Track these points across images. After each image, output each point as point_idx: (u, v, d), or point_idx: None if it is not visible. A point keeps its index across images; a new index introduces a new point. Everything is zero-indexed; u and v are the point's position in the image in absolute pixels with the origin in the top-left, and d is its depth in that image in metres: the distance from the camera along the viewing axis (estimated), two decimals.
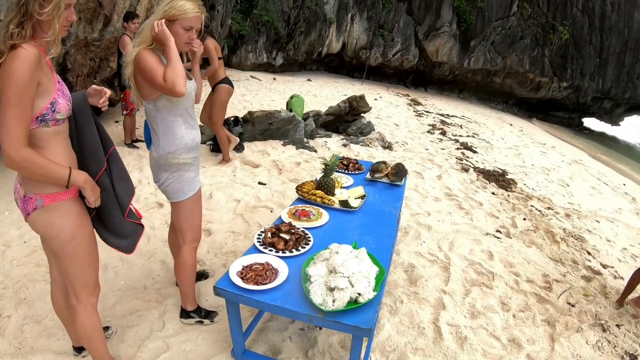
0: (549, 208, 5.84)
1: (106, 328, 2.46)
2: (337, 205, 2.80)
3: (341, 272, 1.85)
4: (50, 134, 1.61)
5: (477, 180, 6.37)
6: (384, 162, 3.63)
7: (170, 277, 3.07)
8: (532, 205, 5.77)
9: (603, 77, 22.45)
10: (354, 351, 1.88)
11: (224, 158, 5.53)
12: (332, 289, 1.82)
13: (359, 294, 1.82)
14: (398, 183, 3.47)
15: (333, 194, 2.93)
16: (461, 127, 11.04)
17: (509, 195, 6.00)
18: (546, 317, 3.23)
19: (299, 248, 2.22)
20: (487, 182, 6.36)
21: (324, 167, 2.98)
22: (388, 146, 7.29)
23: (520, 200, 5.89)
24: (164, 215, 3.89)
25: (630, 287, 3.47)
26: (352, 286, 1.84)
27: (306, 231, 2.40)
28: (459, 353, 2.70)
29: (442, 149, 8.02)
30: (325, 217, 2.63)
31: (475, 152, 8.26)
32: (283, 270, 2.03)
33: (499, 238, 4.52)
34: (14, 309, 2.62)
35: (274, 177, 5.19)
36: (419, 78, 22.13)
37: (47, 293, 2.57)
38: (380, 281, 1.97)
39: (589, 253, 4.60)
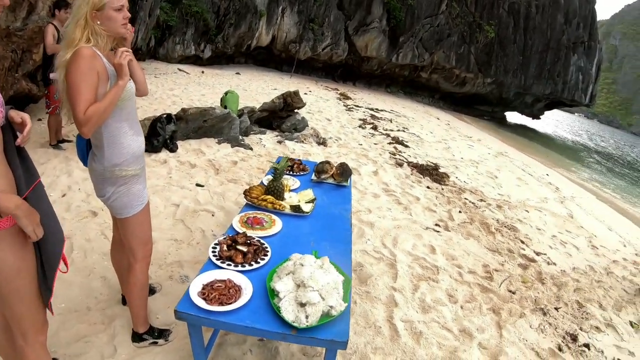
0: (481, 200, 6.18)
1: None
2: (288, 211, 2.72)
3: (310, 286, 1.78)
4: None
5: (412, 174, 6.58)
6: (328, 162, 3.60)
7: (113, 294, 2.81)
8: (465, 198, 6.07)
9: (525, 74, 24.39)
10: None
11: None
12: (303, 305, 1.74)
13: (331, 306, 1.76)
14: (344, 184, 3.46)
15: (283, 199, 2.84)
16: (391, 122, 11.37)
17: (442, 189, 6.27)
18: (491, 306, 3.42)
19: (258, 260, 2.11)
20: (422, 176, 6.60)
21: (272, 170, 2.88)
22: (322, 142, 7.30)
23: (454, 194, 6.18)
24: (100, 225, 3.55)
25: None
26: (323, 299, 1.78)
27: (262, 241, 2.29)
28: (416, 348, 2.77)
29: (375, 143, 8.19)
30: (278, 224, 2.53)
31: (407, 146, 8.54)
32: (247, 286, 1.90)
33: (438, 232, 4.70)
34: None
35: (212, 178, 4.98)
36: (348, 72, 22.49)
37: None
38: (348, 290, 1.93)
39: (522, 242, 4.94)
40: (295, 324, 1.70)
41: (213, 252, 2.16)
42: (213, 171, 5.24)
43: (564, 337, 3.22)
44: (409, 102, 21.13)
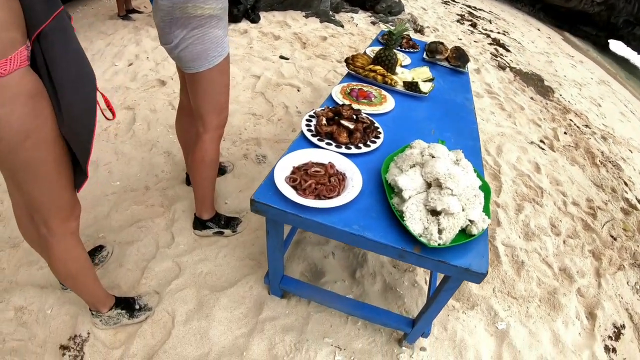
0: (586, 126, 5.10)
1: (100, 248, 1.79)
2: (400, 88, 2.02)
3: (449, 188, 1.15)
4: None
5: (515, 81, 5.50)
6: (442, 43, 2.76)
7: (177, 172, 2.33)
8: (570, 120, 5.01)
9: None
10: (445, 294, 1.29)
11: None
12: (436, 213, 1.14)
13: (472, 221, 1.16)
14: (461, 69, 2.65)
15: (394, 73, 2.12)
16: (490, 22, 9.68)
17: (547, 104, 5.20)
18: (593, 248, 2.74)
19: (368, 142, 1.49)
20: (525, 85, 5.50)
21: (386, 36, 2.12)
22: (420, 30, 6.19)
23: (559, 112, 5.12)
24: (168, 95, 3.03)
25: None
26: (463, 210, 1.16)
27: (372, 119, 1.64)
28: (516, 280, 2.22)
29: (475, 41, 6.92)
30: (389, 101, 1.85)
31: (508, 50, 7.21)
32: (354, 175, 1.29)
33: (543, 150, 3.85)
34: None
35: (298, 52, 4.24)
36: None
37: None
38: (489, 201, 1.30)
39: (625, 184, 4.00)
40: (422, 240, 1.10)
41: (307, 125, 1.53)
42: (299, 45, 4.48)
43: None
44: (508, 7, 18.22)
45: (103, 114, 1.18)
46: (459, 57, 2.69)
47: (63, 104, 0.96)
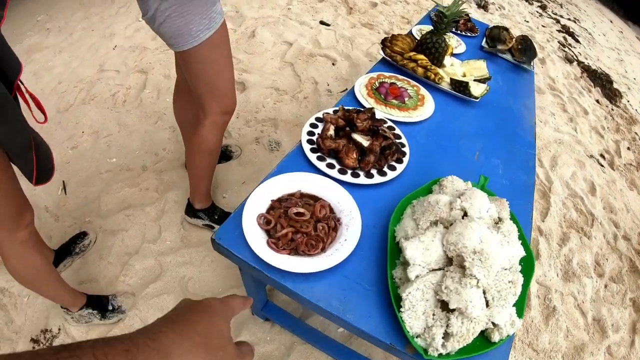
0: None
1: (82, 235, 1.61)
2: (446, 86, 1.55)
3: (474, 276, 0.75)
4: None
5: (581, 78, 4.76)
6: (506, 29, 2.22)
7: (179, 153, 2.01)
8: (635, 133, 4.30)
9: None
10: None
11: None
12: (447, 308, 0.75)
13: (496, 325, 0.76)
14: (527, 66, 2.12)
15: (441, 65, 1.64)
16: (561, 6, 8.59)
17: (612, 110, 4.48)
18: (635, 297, 2.26)
19: (385, 169, 1.06)
20: (592, 84, 4.76)
21: (439, 14, 1.62)
22: (483, 5, 5.43)
23: (624, 121, 4.40)
24: None
25: None
26: (488, 306, 0.76)
27: (397, 130, 1.21)
28: (542, 329, 1.86)
29: (543, 26, 6.08)
30: (429, 104, 1.39)
31: (577, 41, 6.32)
32: (352, 222, 0.89)
33: (602, 166, 3.26)
34: None
35: (342, 17, 3.70)
36: None
37: None
38: (528, 288, 0.88)
39: None
40: (419, 343, 0.74)
41: (310, 134, 1.12)
42: (345, 9, 3.93)
43: None
44: None
45: (33, 115, 0.98)
46: (526, 50, 2.15)
47: None
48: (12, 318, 1.45)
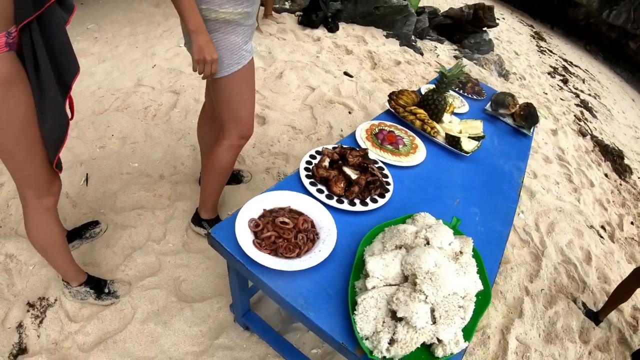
0: None
1: (95, 223, 1.79)
2: (441, 140, 1.72)
3: (423, 292, 0.88)
4: None
5: (593, 152, 4.87)
6: (512, 96, 2.39)
7: (195, 169, 2.23)
8: None
9: None
10: None
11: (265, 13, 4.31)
12: (396, 317, 0.88)
13: (439, 340, 0.88)
14: (526, 131, 2.27)
15: (440, 120, 1.82)
16: (584, 82, 8.83)
17: (620, 185, 4.55)
18: None
19: (367, 200, 1.23)
20: (603, 158, 4.86)
21: (439, 76, 1.82)
22: (504, 74, 5.67)
23: (632, 196, 4.45)
24: None
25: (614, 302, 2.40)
26: (433, 323, 0.88)
27: (386, 171, 1.38)
28: None
29: (562, 99, 6.27)
30: (421, 153, 1.57)
31: (594, 116, 6.47)
32: (328, 238, 1.06)
33: (602, 237, 3.31)
34: None
35: (365, 71, 3.99)
36: (548, 12, 18.18)
37: None
38: (480, 317, 0.99)
39: None
40: (366, 344, 0.85)
41: (307, 165, 1.31)
42: (369, 64, 4.23)
43: None
44: (606, 69, 16.71)
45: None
46: (527, 116, 2.31)
47: (45, 96, 0.97)
48: (14, 282, 1.58)
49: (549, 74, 7.40)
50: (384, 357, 0.85)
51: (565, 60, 10.35)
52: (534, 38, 11.05)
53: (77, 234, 1.72)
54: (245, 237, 1.00)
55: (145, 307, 1.58)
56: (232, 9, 1.23)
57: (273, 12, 4.49)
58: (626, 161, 5.40)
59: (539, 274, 2.45)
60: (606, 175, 4.51)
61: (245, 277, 1.07)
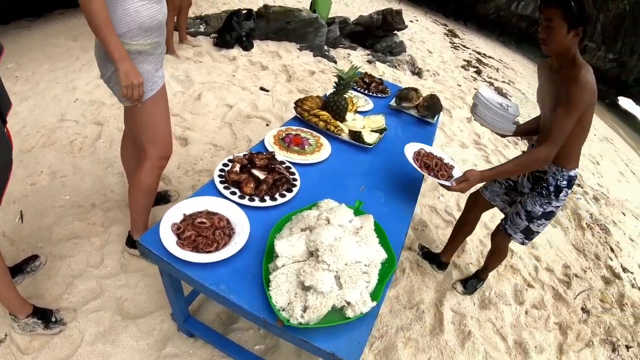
0: (578, 185, 5.00)
1: (34, 257, 1.88)
2: (345, 136, 1.96)
3: (325, 262, 1.07)
4: None
5: None
6: (415, 90, 2.72)
7: (125, 195, 2.36)
8: None
9: None
10: None
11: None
12: (306, 288, 1.05)
13: (348, 303, 1.06)
14: (429, 119, 2.59)
15: (343, 120, 2.06)
16: (497, 71, 9.75)
17: None
18: (560, 321, 2.59)
19: (276, 196, 1.42)
20: (520, 137, 5.45)
21: (336, 79, 2.07)
22: (418, 72, 6.20)
23: None
24: None
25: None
26: (340, 288, 1.07)
27: (293, 169, 1.58)
28: (457, 352, 2.10)
29: (475, 89, 6.94)
30: (325, 150, 1.79)
31: (509, 100, 7.20)
32: (242, 232, 1.24)
33: None
34: None
35: (280, 84, 4.24)
36: (460, 10, 19.86)
37: None
38: (386, 280, 1.19)
39: (612, 249, 3.85)
40: (283, 314, 1.02)
41: (220, 172, 1.49)
42: (285, 77, 4.49)
43: None
44: (519, 57, 18.49)
45: None
46: (429, 106, 2.63)
47: None
48: None
49: (462, 67, 8.12)
50: (300, 322, 1.02)
51: (479, 53, 11.34)
52: (447, 36, 12.01)
53: (18, 270, 1.79)
54: (169, 240, 1.16)
55: (92, 330, 1.69)
56: (143, 40, 1.44)
57: (188, 36, 4.65)
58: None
59: (465, 248, 2.75)
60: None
61: (176, 277, 1.21)
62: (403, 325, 2.08)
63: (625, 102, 23.81)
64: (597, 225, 4.20)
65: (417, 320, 2.13)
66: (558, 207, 1.92)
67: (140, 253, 1.94)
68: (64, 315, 1.68)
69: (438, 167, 1.78)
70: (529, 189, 2.00)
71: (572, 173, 1.83)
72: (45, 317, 1.63)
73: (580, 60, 1.62)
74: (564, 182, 1.84)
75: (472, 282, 2.47)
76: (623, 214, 4.99)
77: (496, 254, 2.32)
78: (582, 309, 2.79)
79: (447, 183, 1.67)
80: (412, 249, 2.63)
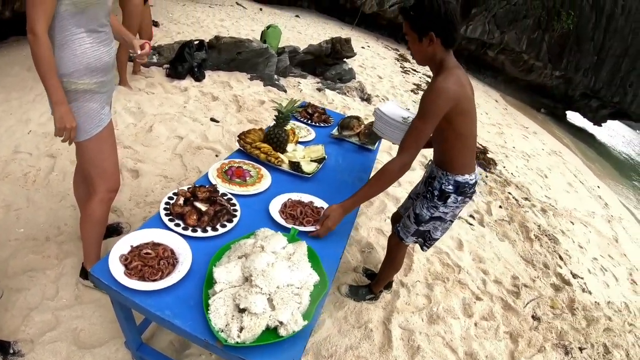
0: (526, 198, 5.38)
1: None
2: (285, 167, 2.12)
3: (258, 285, 1.21)
4: None
5: None
6: (357, 118, 2.93)
7: (78, 227, 2.43)
8: (509, 192, 5.28)
9: (596, 76, 21.73)
10: None
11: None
12: (242, 310, 1.18)
13: (281, 322, 1.20)
14: (370, 147, 2.80)
15: (284, 151, 2.23)
16: None
17: (487, 177, 5.49)
18: (510, 330, 2.79)
19: (217, 227, 1.55)
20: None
21: (278, 111, 2.25)
22: (367, 98, 6.54)
23: (498, 184, 5.39)
24: None
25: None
26: (273, 309, 1.21)
27: (234, 201, 1.72)
28: None
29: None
30: (266, 181, 1.94)
31: None
32: (185, 261, 1.37)
33: (471, 225, 4.00)
34: None
35: (231, 115, 4.41)
36: None
37: None
38: (317, 301, 1.33)
39: (560, 258, 4.17)
40: (222, 335, 1.14)
41: (166, 205, 1.62)
42: (235, 107, 4.66)
43: None
44: (470, 79, 19.63)
45: None
46: (370, 134, 2.82)
47: None
48: None
49: (412, 91, 8.58)
50: (237, 342, 1.14)
51: (429, 77, 12.00)
52: (398, 60, 12.63)
53: None
54: (118, 270, 1.28)
55: None
56: (89, 79, 1.58)
57: (142, 67, 4.75)
58: (490, 155, 6.48)
59: (412, 267, 2.95)
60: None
61: (126, 305, 1.32)
62: (352, 345, 2.21)
63: (572, 117, 25.51)
64: (545, 235, 4.53)
65: (365, 338, 2.26)
66: (447, 213, 1.96)
67: (92, 283, 2.03)
68: (21, 347, 1.76)
69: (303, 215, 1.77)
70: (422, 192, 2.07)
71: (459, 179, 1.86)
72: (3, 349, 1.71)
73: (448, 65, 1.67)
74: (450, 187, 1.87)
75: (361, 291, 2.52)
76: (572, 222, 5.39)
77: (389, 261, 2.36)
78: (533, 316, 3.01)
79: (312, 228, 1.69)
80: (356, 270, 2.79)
